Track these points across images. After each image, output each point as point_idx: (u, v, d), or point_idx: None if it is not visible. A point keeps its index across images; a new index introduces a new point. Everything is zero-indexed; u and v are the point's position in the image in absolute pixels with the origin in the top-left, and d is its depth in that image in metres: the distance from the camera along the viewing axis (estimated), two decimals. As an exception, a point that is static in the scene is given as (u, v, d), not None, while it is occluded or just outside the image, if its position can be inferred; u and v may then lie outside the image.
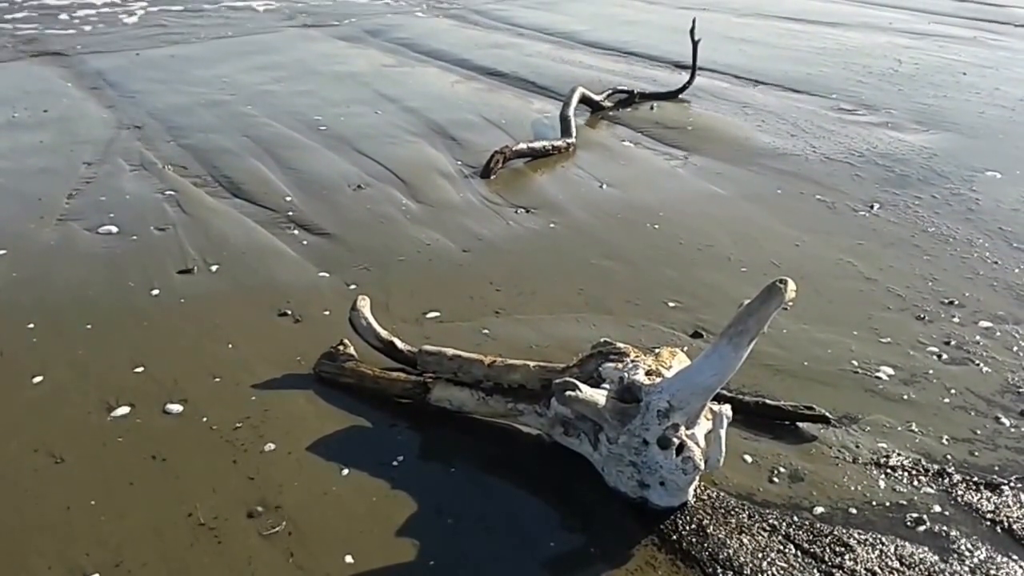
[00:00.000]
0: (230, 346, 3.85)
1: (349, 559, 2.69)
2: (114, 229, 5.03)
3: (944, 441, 3.25)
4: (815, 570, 2.65)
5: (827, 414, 3.32)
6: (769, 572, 2.64)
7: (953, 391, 3.55)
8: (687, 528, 2.81)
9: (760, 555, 2.70)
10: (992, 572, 2.65)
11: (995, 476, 3.05)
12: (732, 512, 2.88)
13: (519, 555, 2.72)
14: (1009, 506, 2.91)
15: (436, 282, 4.47)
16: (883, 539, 2.77)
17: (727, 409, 2.87)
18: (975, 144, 6.60)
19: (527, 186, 5.82)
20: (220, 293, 4.34)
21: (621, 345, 3.13)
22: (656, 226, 5.16)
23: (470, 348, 3.52)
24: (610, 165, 6.21)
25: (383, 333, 3.68)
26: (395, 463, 3.11)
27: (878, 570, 2.64)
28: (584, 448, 3.01)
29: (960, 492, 2.98)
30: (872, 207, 5.42)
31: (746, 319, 2.71)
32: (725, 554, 2.70)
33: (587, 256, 4.78)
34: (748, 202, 5.54)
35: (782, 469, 3.10)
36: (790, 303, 2.70)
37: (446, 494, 2.97)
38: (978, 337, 3.94)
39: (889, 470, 3.09)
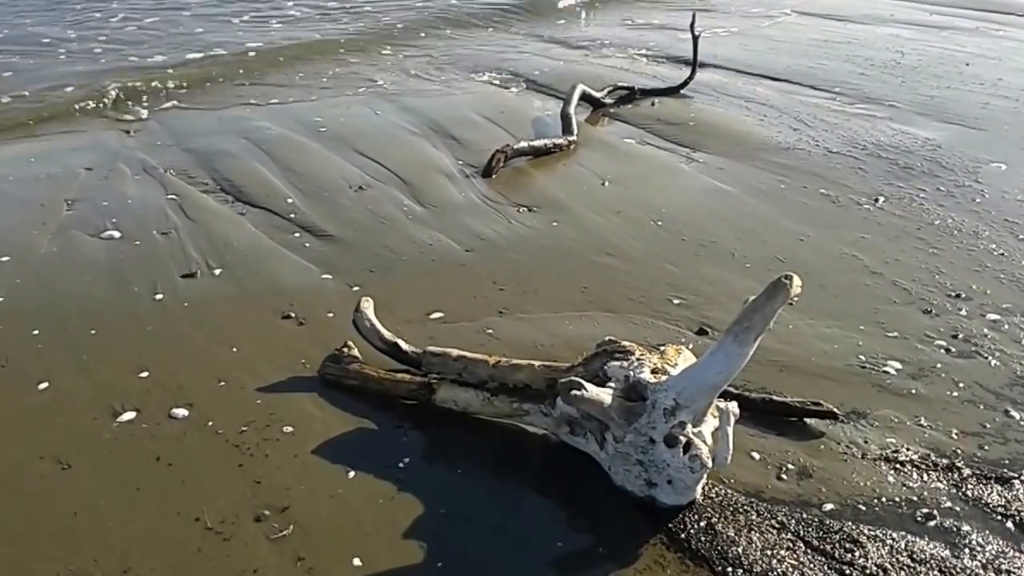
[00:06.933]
0: (234, 349, 3.84)
1: (357, 562, 2.69)
2: (116, 234, 5.02)
3: (953, 435, 3.23)
4: (825, 567, 2.64)
5: (835, 410, 3.30)
6: (779, 570, 2.63)
7: (962, 385, 3.54)
8: (695, 526, 2.80)
9: (770, 553, 2.69)
10: (1004, 567, 2.64)
11: (1005, 470, 3.04)
12: (741, 510, 2.86)
13: (526, 555, 2.72)
14: (1020, 500, 2.89)
15: (439, 282, 4.46)
16: (893, 535, 2.75)
17: (734, 406, 2.86)
18: (979, 136, 6.56)
19: (529, 185, 5.81)
20: (223, 296, 4.33)
21: (626, 343, 3.11)
22: (659, 223, 5.15)
23: (474, 348, 3.51)
24: (612, 162, 6.19)
25: (387, 334, 3.67)
26: (401, 465, 3.11)
27: (889, 566, 2.63)
28: (590, 447, 3.00)
29: (970, 486, 2.96)
30: (876, 200, 5.39)
31: (751, 315, 2.70)
32: (734, 552, 2.69)
33: (590, 254, 4.77)
34: (751, 197, 5.52)
35: (790, 466, 3.08)
36: (795, 298, 2.68)
37: (453, 495, 2.96)
38: (986, 330, 3.92)
39: (898, 465, 3.07)
